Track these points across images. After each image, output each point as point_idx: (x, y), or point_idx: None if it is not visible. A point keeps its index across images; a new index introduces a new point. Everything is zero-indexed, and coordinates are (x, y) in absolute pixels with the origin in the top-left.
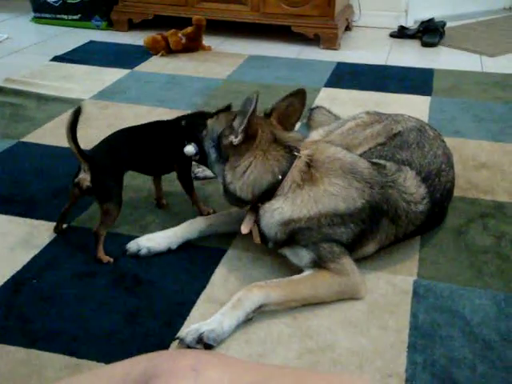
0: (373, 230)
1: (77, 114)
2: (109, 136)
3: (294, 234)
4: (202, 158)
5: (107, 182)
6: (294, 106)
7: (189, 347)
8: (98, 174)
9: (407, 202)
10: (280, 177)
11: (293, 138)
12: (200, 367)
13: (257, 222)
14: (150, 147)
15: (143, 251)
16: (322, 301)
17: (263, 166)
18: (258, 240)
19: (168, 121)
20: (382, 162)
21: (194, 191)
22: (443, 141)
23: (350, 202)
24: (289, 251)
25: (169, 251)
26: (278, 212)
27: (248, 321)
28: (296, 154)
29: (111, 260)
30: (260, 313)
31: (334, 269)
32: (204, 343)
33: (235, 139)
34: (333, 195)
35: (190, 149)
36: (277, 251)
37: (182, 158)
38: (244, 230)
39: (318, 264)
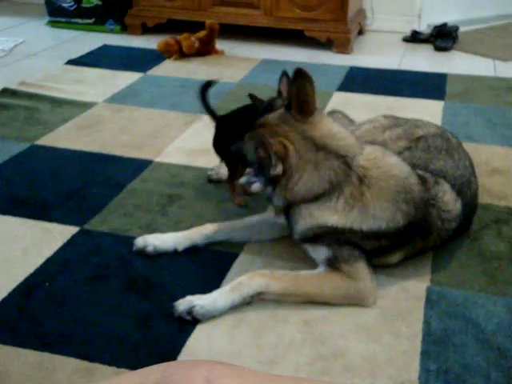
0: (403, 244)
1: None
2: (235, 111)
3: (322, 235)
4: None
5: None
6: (305, 89)
7: (179, 317)
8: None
9: (442, 220)
10: (330, 187)
11: (343, 143)
12: (213, 378)
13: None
14: None
15: (149, 248)
16: (326, 301)
17: (316, 177)
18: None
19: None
20: (420, 172)
21: None
22: (463, 148)
23: (392, 224)
24: (310, 246)
25: (180, 255)
26: (316, 216)
27: (247, 304)
28: (351, 165)
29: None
30: (260, 299)
31: (347, 271)
32: (192, 316)
33: (274, 172)
34: (380, 219)
35: (256, 186)
36: (299, 245)
37: None
38: (279, 220)
39: (332, 263)
